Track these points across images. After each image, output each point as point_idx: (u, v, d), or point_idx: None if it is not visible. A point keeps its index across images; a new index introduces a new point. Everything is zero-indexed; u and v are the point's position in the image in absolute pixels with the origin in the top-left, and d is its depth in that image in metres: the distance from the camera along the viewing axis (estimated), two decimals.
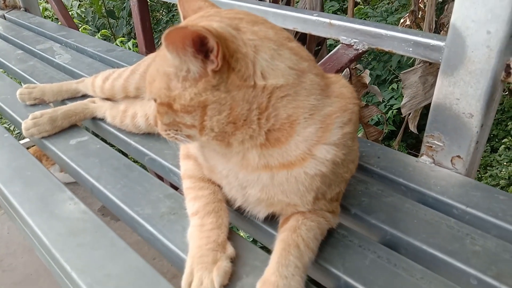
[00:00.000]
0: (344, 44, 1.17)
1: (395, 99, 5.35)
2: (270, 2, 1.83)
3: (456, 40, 0.95)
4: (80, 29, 5.35)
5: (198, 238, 0.79)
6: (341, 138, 0.74)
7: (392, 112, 5.27)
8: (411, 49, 1.05)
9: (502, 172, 4.42)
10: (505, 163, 4.69)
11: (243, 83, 0.67)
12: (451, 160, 1.06)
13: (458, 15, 0.93)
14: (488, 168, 4.95)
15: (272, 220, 0.87)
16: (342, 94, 0.77)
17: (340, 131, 0.74)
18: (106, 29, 6.41)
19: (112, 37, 6.97)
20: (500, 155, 4.87)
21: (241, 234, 1.79)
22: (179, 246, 0.85)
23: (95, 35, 5.46)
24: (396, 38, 1.07)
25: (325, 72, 1.17)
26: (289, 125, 0.71)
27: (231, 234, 0.84)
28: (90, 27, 6.61)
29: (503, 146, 4.85)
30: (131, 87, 1.24)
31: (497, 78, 0.93)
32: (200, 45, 0.64)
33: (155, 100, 0.74)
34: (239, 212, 0.87)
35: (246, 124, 0.70)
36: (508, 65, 0.92)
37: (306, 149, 0.72)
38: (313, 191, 0.77)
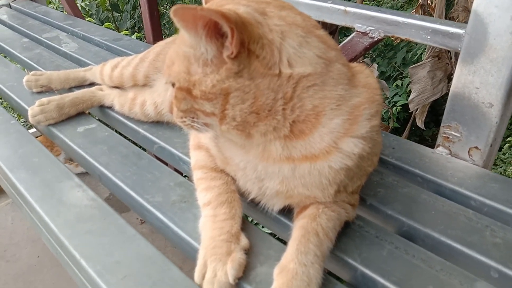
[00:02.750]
0: (359, 32, 1.14)
1: (399, 96, 5.31)
2: None
3: (478, 27, 0.92)
4: None
5: (211, 229, 0.76)
6: (369, 131, 0.71)
7: (396, 109, 5.24)
8: (429, 37, 1.02)
9: (507, 172, 4.39)
10: (510, 162, 4.67)
11: (268, 71, 0.64)
12: (469, 152, 1.03)
13: (480, 1, 0.90)
14: (492, 167, 4.92)
15: (286, 211, 0.85)
16: (368, 84, 0.74)
17: (368, 124, 0.71)
18: (110, 23, 6.38)
19: (116, 30, 6.94)
20: (504, 154, 4.85)
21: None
22: (190, 234, 0.83)
23: None
24: (414, 26, 1.04)
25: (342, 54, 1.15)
26: (315, 116, 0.68)
27: (244, 224, 0.81)
28: (94, 20, 6.59)
29: (507, 144, 4.82)
30: (140, 75, 1.22)
31: None
32: (215, 29, 0.61)
33: (173, 85, 0.71)
34: (253, 203, 0.85)
35: (271, 115, 0.67)
36: None
37: (332, 142, 0.69)
38: (336, 184, 0.74)
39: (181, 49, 0.67)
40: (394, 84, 5.61)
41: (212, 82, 0.64)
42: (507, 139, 4.85)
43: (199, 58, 0.65)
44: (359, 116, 0.70)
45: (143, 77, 1.22)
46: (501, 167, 4.75)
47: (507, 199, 0.92)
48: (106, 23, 5.77)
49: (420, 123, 2.98)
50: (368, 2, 7.15)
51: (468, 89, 0.98)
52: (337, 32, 2.10)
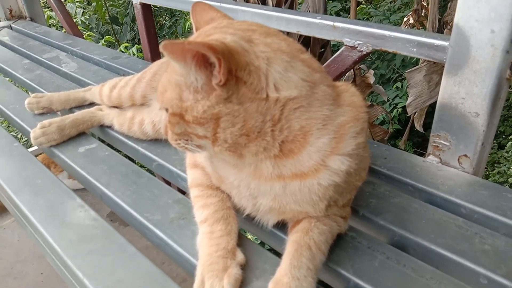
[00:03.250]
0: (348, 46, 1.17)
1: (400, 97, 5.33)
2: (273, 6, 1.84)
3: (460, 40, 0.95)
4: (84, 36, 5.41)
5: (208, 245, 0.79)
6: (354, 149, 0.74)
7: (397, 111, 5.26)
8: (415, 49, 1.05)
9: (510, 170, 4.39)
10: None
11: (255, 95, 0.67)
12: (458, 160, 1.06)
13: (461, 15, 0.93)
14: (495, 165, 4.91)
15: (280, 225, 0.88)
16: (353, 102, 0.77)
17: (353, 141, 0.74)
18: (110, 35, 6.45)
19: (116, 43, 7.01)
20: (507, 152, 4.84)
21: (249, 236, 1.80)
22: (189, 251, 0.86)
23: (99, 42, 5.50)
24: (400, 39, 1.07)
25: (329, 74, 1.17)
26: (302, 136, 0.71)
27: (241, 239, 0.84)
28: (94, 34, 6.66)
29: (510, 142, 4.82)
30: (137, 95, 1.25)
31: (502, 76, 0.93)
32: (203, 59, 0.64)
33: (166, 110, 0.74)
34: (248, 219, 0.88)
35: (260, 136, 0.70)
36: None
37: (320, 160, 0.72)
38: (325, 200, 0.77)
39: (173, 77, 0.70)
40: (394, 86, 5.64)
41: (203, 108, 0.68)
42: (510, 137, 4.85)
43: (190, 86, 0.68)
44: (345, 134, 0.73)
45: (140, 97, 1.25)
46: (505, 165, 4.75)
47: (497, 205, 0.94)
48: (106, 36, 5.84)
49: (418, 126, 3.00)
50: (365, 6, 7.20)
51: (454, 99, 1.01)
52: (328, 45, 2.13)
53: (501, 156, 4.96)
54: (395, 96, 5.46)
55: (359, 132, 0.75)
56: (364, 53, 1.14)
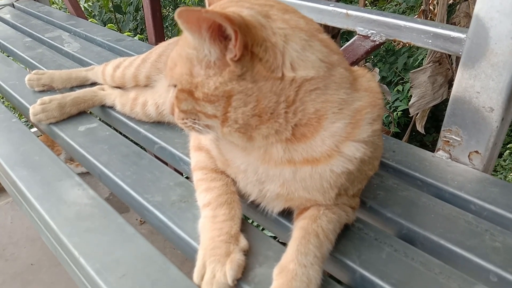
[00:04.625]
0: (360, 35, 1.14)
1: (400, 101, 5.32)
2: None
3: (479, 31, 0.92)
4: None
5: (210, 229, 0.76)
6: (370, 135, 0.71)
7: (397, 114, 5.25)
8: (430, 41, 1.02)
9: (508, 178, 4.39)
10: (510, 168, 4.67)
11: (271, 74, 0.64)
12: (469, 156, 1.03)
13: (482, 5, 0.90)
14: (493, 173, 4.91)
15: (286, 213, 0.85)
16: (370, 88, 0.74)
17: (370, 128, 0.71)
18: (112, 24, 6.41)
19: (118, 32, 6.97)
20: (504, 160, 4.84)
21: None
22: (190, 234, 0.83)
23: None
24: (415, 30, 1.04)
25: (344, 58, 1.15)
26: (317, 119, 0.68)
27: (244, 225, 0.82)
28: (96, 21, 6.61)
29: (508, 151, 4.82)
30: (141, 75, 1.22)
31: None
32: (219, 31, 0.61)
33: (175, 86, 0.71)
34: (252, 206, 0.85)
35: (273, 118, 0.67)
36: None
37: (334, 145, 0.69)
38: (336, 188, 0.74)
39: (184, 51, 0.67)
40: (395, 89, 5.63)
41: (214, 84, 0.65)
42: (508, 146, 4.85)
43: (202, 60, 0.65)
44: (361, 120, 0.70)
45: (144, 77, 1.22)
46: (502, 173, 4.75)
47: (507, 203, 0.92)
48: (108, 25, 5.79)
49: (420, 128, 2.98)
50: (370, 8, 7.19)
51: (469, 93, 0.98)
52: (339, 35, 2.10)
53: (498, 164, 4.96)
54: (396, 100, 5.46)
55: (376, 118, 0.72)
56: (377, 43, 1.11)
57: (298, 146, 0.70)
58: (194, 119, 0.71)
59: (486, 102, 0.96)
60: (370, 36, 1.11)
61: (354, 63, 1.19)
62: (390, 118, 4.70)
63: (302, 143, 0.70)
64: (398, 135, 5.15)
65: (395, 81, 5.85)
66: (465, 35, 0.96)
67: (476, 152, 1.01)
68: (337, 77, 0.68)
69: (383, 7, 7.29)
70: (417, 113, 2.89)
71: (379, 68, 6.06)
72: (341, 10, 1.16)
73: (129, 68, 1.26)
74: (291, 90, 0.66)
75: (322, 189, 0.74)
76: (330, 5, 1.20)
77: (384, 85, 2.82)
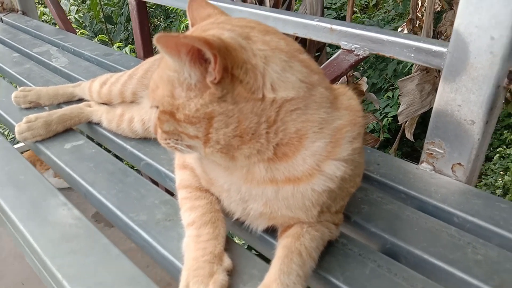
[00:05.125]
0: (344, 49, 1.15)
1: (391, 107, 5.36)
2: (270, 6, 1.82)
3: (459, 46, 0.94)
4: (77, 34, 5.36)
5: (194, 249, 0.76)
6: (351, 154, 0.71)
7: (388, 120, 5.28)
8: (412, 55, 1.04)
9: (497, 182, 4.43)
10: (500, 172, 4.70)
11: (251, 95, 0.65)
12: (452, 168, 1.04)
13: (461, 21, 0.92)
14: (483, 177, 4.95)
15: (270, 230, 0.85)
16: (351, 106, 0.74)
17: (350, 146, 0.71)
18: (103, 34, 6.41)
19: (109, 42, 6.97)
20: (494, 164, 4.88)
21: (237, 240, 1.77)
22: (174, 254, 0.82)
23: (92, 40, 5.47)
24: (398, 44, 1.05)
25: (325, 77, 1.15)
26: (298, 139, 0.69)
27: (228, 243, 0.82)
28: (87, 32, 6.60)
29: (497, 155, 4.86)
30: (128, 92, 1.22)
31: (499, 84, 0.92)
32: (198, 55, 0.62)
33: (157, 108, 0.72)
34: (237, 223, 0.85)
35: (254, 138, 0.67)
36: (510, 72, 0.91)
37: (314, 164, 0.70)
38: (319, 206, 0.75)
39: (165, 73, 0.67)
40: (385, 95, 5.67)
41: (195, 106, 0.65)
42: (497, 149, 4.89)
43: (183, 82, 0.65)
44: (341, 139, 0.71)
45: (131, 94, 1.23)
46: (492, 177, 4.78)
47: (489, 215, 0.93)
48: (99, 35, 5.79)
49: (409, 135, 3.00)
50: (359, 15, 7.25)
51: (450, 106, 0.99)
52: (324, 49, 2.12)
53: (488, 168, 5.00)
54: (386, 106, 5.49)
55: (356, 137, 0.72)
56: (361, 57, 1.12)
57: (280, 165, 0.71)
58: (177, 140, 0.72)
59: (468, 115, 0.97)
60: (354, 50, 1.12)
61: (339, 76, 1.20)
62: (379, 126, 4.72)
63: (284, 162, 0.70)
64: (388, 141, 5.19)
65: (385, 87, 5.90)
66: (446, 49, 0.97)
67: (459, 164, 1.02)
68: (317, 97, 0.69)
69: (372, 15, 7.37)
70: (406, 121, 2.91)
71: (369, 75, 6.11)
72: (325, 25, 1.18)
73: (116, 85, 1.26)
74: (272, 111, 0.66)
75: (305, 208, 0.74)
76: (315, 20, 1.21)
77: (372, 94, 2.85)
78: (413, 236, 0.88)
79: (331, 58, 1.19)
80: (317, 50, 2.11)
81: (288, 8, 1.95)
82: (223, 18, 0.74)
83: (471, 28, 0.90)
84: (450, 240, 0.87)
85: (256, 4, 1.81)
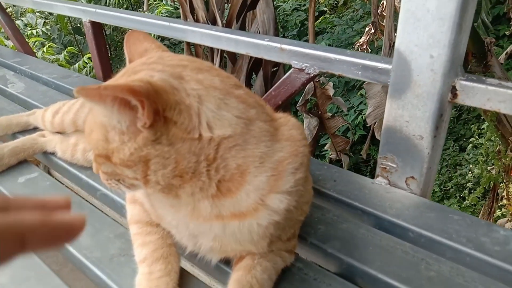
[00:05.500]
0: (296, 68, 1.16)
1: (364, 104, 5.43)
2: (222, 26, 1.82)
3: (402, 64, 0.95)
4: (45, 47, 5.25)
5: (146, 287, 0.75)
6: (293, 186, 0.71)
7: (362, 117, 5.35)
8: (360, 72, 1.05)
9: (469, 174, 4.53)
10: (471, 164, 4.81)
11: (187, 135, 0.64)
12: (406, 181, 1.06)
13: (401, 40, 0.93)
14: (458, 167, 5.06)
15: (224, 260, 0.85)
16: (292, 136, 0.74)
17: (292, 178, 0.71)
18: (72, 46, 6.30)
19: (79, 53, 6.86)
20: (468, 154, 4.99)
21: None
22: None
23: (61, 53, 5.36)
24: (345, 62, 1.06)
25: (280, 96, 1.16)
26: (240, 174, 0.68)
27: (183, 276, 0.81)
28: (56, 45, 6.48)
29: (470, 145, 4.97)
30: (80, 120, 1.20)
31: (443, 100, 0.94)
32: (125, 102, 0.60)
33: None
34: (192, 255, 0.84)
35: (195, 176, 0.66)
36: (453, 87, 0.93)
37: (258, 199, 0.69)
38: (267, 238, 0.75)
39: (98, 117, 0.66)
40: (359, 93, 5.74)
41: (129, 150, 0.63)
42: (470, 140, 5.00)
43: (115, 127, 0.64)
44: (283, 171, 0.70)
45: (84, 122, 1.20)
46: (466, 167, 4.89)
47: (443, 228, 0.94)
48: (69, 47, 5.69)
49: (378, 136, 3.03)
50: (329, 15, 7.32)
51: (399, 122, 1.01)
52: (281, 64, 2.13)
53: (462, 159, 5.11)
54: (360, 103, 5.57)
55: (298, 167, 0.72)
56: (312, 75, 1.13)
57: (225, 201, 0.70)
58: (118, 179, 0.70)
59: (416, 131, 0.99)
60: (305, 69, 1.13)
61: (292, 94, 1.20)
62: (353, 125, 4.77)
63: (228, 197, 0.70)
64: (365, 137, 5.24)
65: (358, 85, 5.97)
66: (391, 66, 0.99)
67: (412, 177, 1.04)
68: (256, 131, 0.69)
69: (342, 14, 7.45)
70: (375, 122, 2.94)
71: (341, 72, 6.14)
72: (276, 44, 1.18)
73: (68, 114, 1.23)
74: (211, 149, 0.65)
75: (253, 241, 0.74)
76: (265, 40, 1.21)
77: (339, 98, 2.87)
78: (368, 255, 0.88)
79: (284, 77, 1.20)
80: (274, 65, 2.12)
81: (242, 27, 1.95)
82: (156, 57, 0.72)
83: (411, 47, 0.92)
84: (404, 258, 0.88)
85: (208, 24, 1.80)
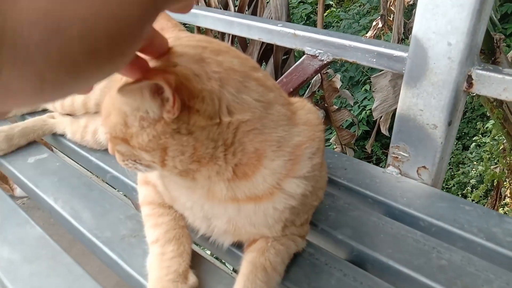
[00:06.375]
0: (309, 55, 1.15)
1: (368, 99, 5.43)
2: (235, 11, 1.80)
3: (418, 52, 0.94)
4: None
5: (158, 268, 0.75)
6: (310, 170, 0.71)
7: (366, 112, 5.34)
8: (374, 60, 1.04)
9: (473, 171, 4.52)
10: (475, 162, 4.81)
11: (209, 122, 0.62)
12: (417, 171, 1.05)
13: (419, 27, 0.92)
14: (460, 165, 5.06)
15: (237, 244, 0.84)
16: (309, 121, 0.73)
17: (309, 163, 0.71)
18: None
19: None
20: (471, 153, 4.99)
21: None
22: (139, 271, 0.81)
23: None
24: (360, 49, 1.05)
25: (291, 82, 1.15)
26: (257, 158, 0.67)
27: (194, 258, 0.81)
28: None
29: (474, 143, 4.96)
30: (91, 103, 1.20)
31: (459, 89, 0.93)
32: (157, 89, 0.58)
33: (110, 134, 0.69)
34: (204, 238, 0.84)
35: (212, 160, 0.65)
36: (469, 76, 0.92)
37: (274, 183, 0.69)
38: (281, 222, 0.74)
39: (118, 102, 0.64)
40: (363, 88, 5.74)
41: (148, 137, 0.62)
42: (474, 138, 5.00)
43: (137, 113, 0.62)
44: (301, 156, 0.70)
45: (94, 105, 1.20)
46: (469, 165, 4.89)
47: (454, 218, 0.94)
48: None
49: (384, 130, 3.03)
50: (335, 9, 7.28)
51: (413, 111, 1.00)
52: (292, 52, 2.12)
53: (465, 157, 5.11)
54: (364, 98, 5.56)
55: (315, 152, 0.72)
56: (325, 62, 1.12)
57: (240, 184, 0.69)
58: (135, 160, 0.70)
59: (430, 120, 0.98)
60: (318, 56, 1.12)
61: (304, 81, 1.19)
62: (358, 119, 4.76)
63: (244, 181, 0.69)
64: (367, 133, 5.23)
65: (363, 80, 5.96)
66: (406, 54, 0.98)
67: (424, 167, 1.04)
68: (274, 115, 0.68)
69: (348, 8, 7.41)
70: (381, 116, 2.93)
71: (346, 68, 6.15)
72: (289, 30, 1.17)
73: (78, 96, 1.23)
74: (229, 133, 0.64)
75: (268, 224, 0.74)
76: (279, 25, 1.20)
77: (346, 91, 2.86)
78: (379, 243, 0.88)
79: (296, 63, 1.19)
80: (285, 53, 2.10)
81: (254, 12, 1.94)
82: (173, 38, 0.69)
83: (429, 34, 0.91)
84: (415, 246, 0.87)
85: (220, 8, 1.79)
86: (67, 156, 1.31)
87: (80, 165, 1.26)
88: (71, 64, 0.33)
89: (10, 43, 0.30)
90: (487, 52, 2.38)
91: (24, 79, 0.32)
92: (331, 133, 3.75)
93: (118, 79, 0.65)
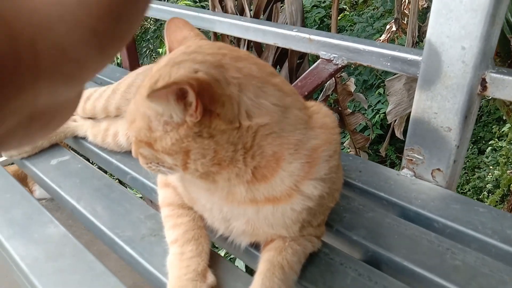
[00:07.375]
0: (323, 59, 1.17)
1: (382, 103, 5.40)
2: (251, 17, 1.83)
3: (432, 55, 0.96)
4: None
5: (177, 267, 0.78)
6: (327, 173, 0.73)
7: (379, 116, 5.32)
8: (389, 63, 1.06)
9: (489, 176, 4.46)
10: (491, 166, 4.74)
11: (229, 126, 0.65)
12: (432, 173, 1.06)
13: (433, 31, 0.94)
14: (476, 170, 5.00)
15: (254, 245, 0.87)
16: (325, 124, 0.75)
17: (326, 165, 0.73)
18: None
19: None
20: (487, 157, 4.93)
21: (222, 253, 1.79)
22: (159, 269, 0.84)
23: None
24: (374, 53, 1.07)
25: (306, 87, 1.17)
26: (275, 161, 0.70)
27: (213, 258, 0.83)
28: None
29: (489, 148, 4.90)
30: (111, 107, 1.23)
31: (473, 92, 0.94)
32: (181, 94, 0.61)
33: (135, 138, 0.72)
34: (222, 238, 0.87)
35: (232, 163, 0.68)
36: (483, 79, 0.93)
37: (292, 185, 0.71)
38: (299, 223, 0.76)
39: (143, 107, 0.67)
40: (377, 92, 5.71)
41: (171, 140, 0.65)
42: (489, 142, 4.93)
43: (161, 118, 0.65)
44: (318, 158, 0.72)
45: (114, 109, 1.23)
46: (484, 170, 4.83)
47: (468, 220, 0.95)
48: None
49: (398, 134, 3.02)
50: (348, 13, 7.27)
51: (427, 114, 1.01)
52: (306, 56, 2.14)
53: (481, 161, 5.05)
54: (378, 102, 5.54)
55: (332, 155, 0.74)
56: (340, 66, 1.14)
57: (259, 186, 0.72)
58: (158, 163, 0.73)
59: (444, 122, 0.99)
60: (333, 60, 1.14)
61: (319, 85, 1.21)
62: (368, 126, 4.75)
63: (263, 183, 0.71)
64: (381, 137, 5.21)
65: (376, 84, 5.93)
66: (421, 58, 0.99)
67: (438, 169, 1.05)
68: (291, 119, 0.70)
69: (362, 11, 7.40)
70: (395, 120, 2.93)
71: (360, 72, 6.13)
72: (304, 35, 1.19)
73: (99, 100, 1.26)
74: (248, 137, 0.67)
75: (285, 225, 0.76)
76: (294, 30, 1.22)
77: (360, 94, 2.87)
78: (394, 244, 0.89)
79: (311, 67, 1.21)
80: (299, 57, 2.13)
81: (269, 18, 1.97)
82: (194, 46, 0.72)
83: (442, 38, 0.92)
84: (429, 247, 0.88)
85: (237, 14, 1.82)
86: (86, 158, 1.34)
87: (100, 167, 1.29)
88: None
89: None
90: (503, 55, 2.37)
91: None
92: (345, 137, 3.76)
93: (142, 91, 0.68)
